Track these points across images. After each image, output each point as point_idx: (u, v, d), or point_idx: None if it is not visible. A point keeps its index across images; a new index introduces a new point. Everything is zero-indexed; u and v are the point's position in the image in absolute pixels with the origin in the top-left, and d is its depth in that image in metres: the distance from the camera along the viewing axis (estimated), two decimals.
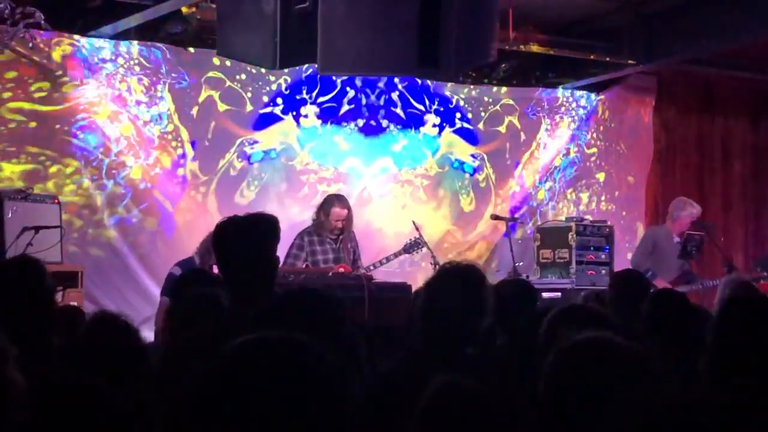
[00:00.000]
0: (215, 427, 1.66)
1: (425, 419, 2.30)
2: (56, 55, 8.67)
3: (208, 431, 1.67)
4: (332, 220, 8.41)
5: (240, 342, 1.76)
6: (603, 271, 9.51)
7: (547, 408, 2.32)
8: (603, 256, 9.86)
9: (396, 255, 8.78)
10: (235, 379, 1.69)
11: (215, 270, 7.20)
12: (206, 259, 7.57)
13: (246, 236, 3.68)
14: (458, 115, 10.77)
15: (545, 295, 8.73)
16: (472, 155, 10.85)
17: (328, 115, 10.08)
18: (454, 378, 2.35)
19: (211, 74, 9.48)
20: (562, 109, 11.34)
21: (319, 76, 9.61)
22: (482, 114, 10.89)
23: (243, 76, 9.63)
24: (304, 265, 8.30)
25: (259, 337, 1.77)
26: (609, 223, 10.36)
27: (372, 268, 8.56)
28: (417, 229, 8.95)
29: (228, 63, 9.33)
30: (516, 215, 10.22)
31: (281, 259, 8.19)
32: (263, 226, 3.74)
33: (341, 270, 8.10)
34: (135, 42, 9.09)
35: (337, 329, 2.93)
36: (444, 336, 3.60)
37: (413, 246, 8.78)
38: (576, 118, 11.40)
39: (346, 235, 8.53)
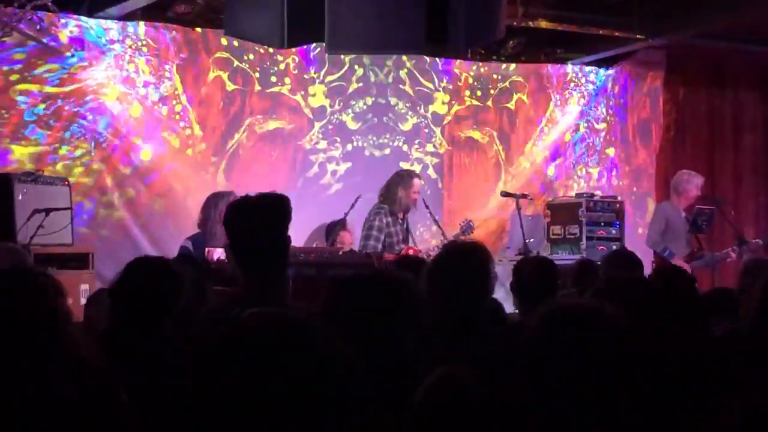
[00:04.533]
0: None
1: (421, 411, 2.30)
2: (63, 37, 8.66)
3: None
4: (412, 194, 8.44)
5: (235, 320, 1.74)
6: (614, 247, 9.49)
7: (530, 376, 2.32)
8: (614, 232, 9.86)
9: (455, 238, 8.83)
10: (228, 356, 1.67)
11: (212, 251, 7.33)
12: (209, 226, 7.66)
13: (258, 216, 3.68)
14: (467, 92, 10.74)
15: None
16: (482, 132, 10.82)
17: (337, 94, 10.06)
18: (452, 369, 2.34)
19: (218, 54, 9.46)
20: (572, 84, 11.30)
21: (327, 55, 9.59)
22: (491, 91, 10.86)
23: (251, 56, 9.60)
24: (380, 247, 8.27)
25: (256, 314, 1.75)
26: (619, 198, 10.36)
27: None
28: (426, 207, 8.94)
29: (236, 43, 9.31)
30: (526, 192, 10.17)
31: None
32: (275, 206, 3.73)
33: (411, 252, 8.11)
34: (142, 23, 9.07)
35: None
36: (449, 316, 3.59)
37: (468, 228, 8.85)
38: (585, 93, 11.36)
39: (411, 213, 8.56)
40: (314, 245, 8.98)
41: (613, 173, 11.64)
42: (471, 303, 3.60)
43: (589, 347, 2.25)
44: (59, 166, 8.63)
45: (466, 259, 3.68)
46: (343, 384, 1.70)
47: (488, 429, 2.26)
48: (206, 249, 7.39)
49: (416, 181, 8.63)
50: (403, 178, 8.66)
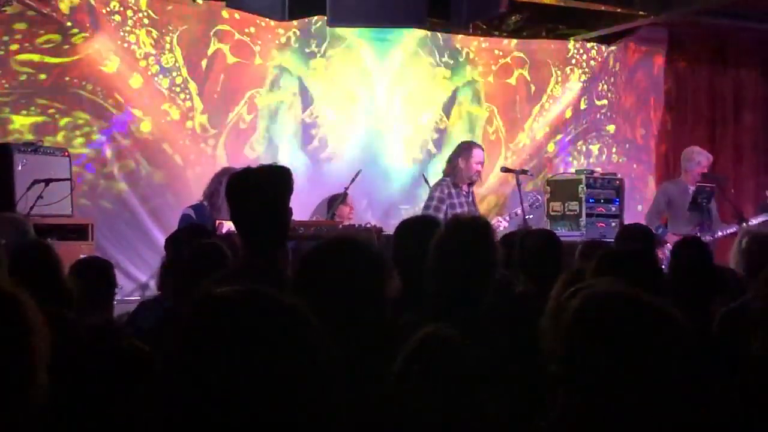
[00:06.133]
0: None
1: (405, 366, 2.31)
2: (64, 7, 8.63)
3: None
4: (473, 164, 8.29)
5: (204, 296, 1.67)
6: (613, 224, 9.50)
7: (566, 359, 2.29)
8: (613, 209, 9.85)
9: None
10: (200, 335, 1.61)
11: (222, 223, 7.34)
12: (214, 200, 7.62)
13: (259, 188, 3.67)
14: (468, 67, 10.71)
15: None
16: (482, 108, 10.80)
17: (338, 67, 10.03)
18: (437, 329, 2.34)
19: (220, 27, 9.42)
20: (573, 61, 11.27)
21: (328, 28, 9.55)
22: (492, 67, 10.83)
23: (252, 29, 9.57)
24: (442, 217, 8.15)
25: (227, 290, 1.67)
26: (619, 175, 10.34)
27: None
28: (426, 182, 8.93)
29: (237, 15, 9.27)
30: (526, 168, 10.17)
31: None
32: (276, 178, 3.73)
33: None
34: None
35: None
36: (454, 290, 3.59)
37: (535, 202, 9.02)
38: (587, 70, 11.33)
39: (476, 185, 8.45)
40: (314, 219, 8.99)
41: (614, 150, 11.63)
42: (476, 275, 3.59)
43: (632, 335, 2.19)
44: (59, 137, 8.62)
45: (468, 231, 3.67)
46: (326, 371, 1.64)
47: (471, 387, 2.25)
48: (216, 221, 7.40)
49: (476, 150, 8.41)
50: (463, 149, 8.52)
